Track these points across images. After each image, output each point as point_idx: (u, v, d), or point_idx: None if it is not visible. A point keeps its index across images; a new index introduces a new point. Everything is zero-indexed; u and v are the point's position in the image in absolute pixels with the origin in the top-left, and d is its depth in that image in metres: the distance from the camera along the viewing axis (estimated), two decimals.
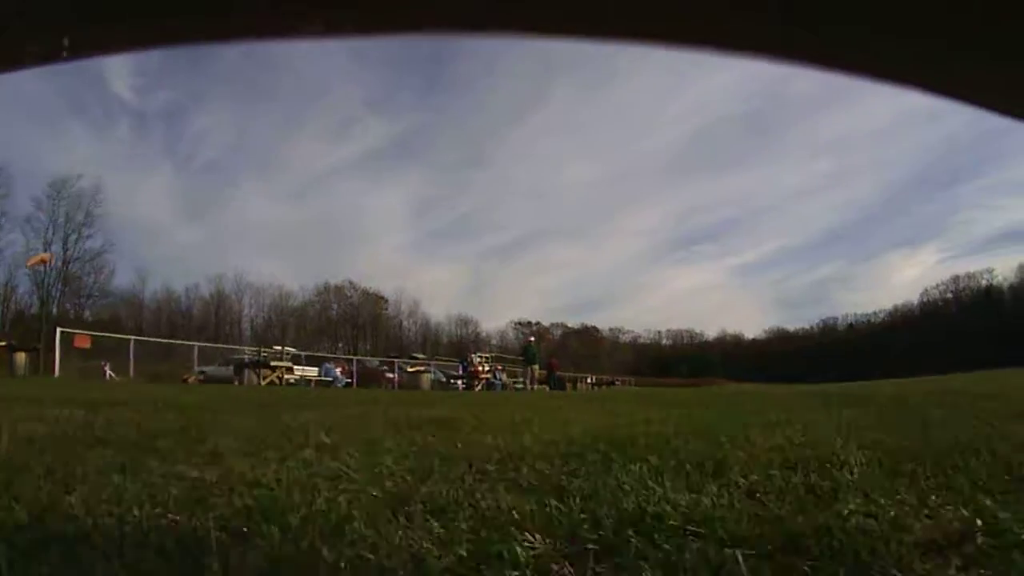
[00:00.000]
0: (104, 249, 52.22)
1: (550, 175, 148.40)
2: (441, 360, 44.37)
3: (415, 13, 0.57)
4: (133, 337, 27.94)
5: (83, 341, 25.28)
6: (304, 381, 27.69)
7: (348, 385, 29.10)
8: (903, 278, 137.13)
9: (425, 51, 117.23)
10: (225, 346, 37.73)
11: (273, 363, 26.42)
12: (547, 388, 31.45)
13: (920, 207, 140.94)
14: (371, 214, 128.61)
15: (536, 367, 29.38)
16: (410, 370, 33.98)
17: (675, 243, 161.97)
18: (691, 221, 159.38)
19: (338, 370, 30.33)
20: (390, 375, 33.35)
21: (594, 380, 48.74)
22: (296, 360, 30.82)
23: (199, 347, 30.51)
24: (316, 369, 29.89)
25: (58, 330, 24.29)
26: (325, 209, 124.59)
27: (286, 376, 26.24)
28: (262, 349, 29.60)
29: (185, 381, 24.31)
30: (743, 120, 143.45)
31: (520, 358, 34.45)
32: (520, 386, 38.28)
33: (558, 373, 34.94)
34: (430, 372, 33.43)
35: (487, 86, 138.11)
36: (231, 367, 26.47)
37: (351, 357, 36.33)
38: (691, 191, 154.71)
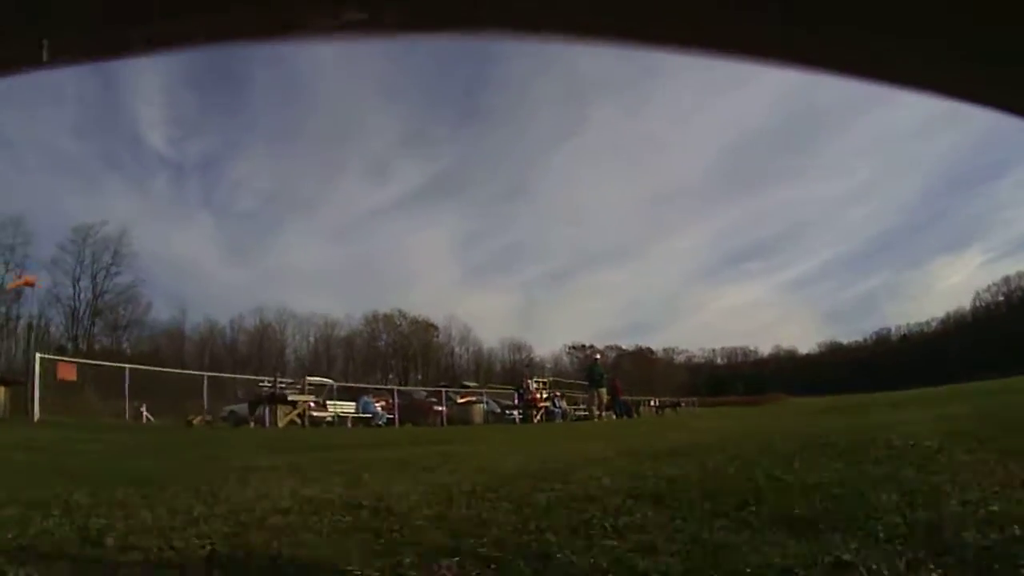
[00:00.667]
0: (135, 284, 52.95)
1: (592, 200, 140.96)
2: (494, 388, 40.67)
3: (428, 14, 0.59)
4: (128, 365, 23.79)
5: (68, 372, 20.92)
6: (338, 418, 24.22)
7: (390, 422, 25.45)
8: (949, 284, 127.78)
9: (457, 83, 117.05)
10: (251, 377, 33.63)
11: (292, 397, 21.27)
12: (613, 415, 26.83)
13: (958, 209, 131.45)
14: (416, 250, 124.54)
15: (603, 391, 25.41)
16: (460, 401, 30.29)
17: (722, 261, 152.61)
18: (736, 239, 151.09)
19: (378, 405, 26.61)
20: (439, 407, 29.63)
21: (657, 403, 44.36)
22: (326, 393, 26.99)
23: (208, 377, 25.97)
24: (352, 404, 26.22)
25: (37, 356, 18.61)
26: (369, 248, 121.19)
27: (313, 413, 22.11)
28: (279, 379, 24.18)
29: (190, 423, 20.21)
30: (778, 133, 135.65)
31: (583, 382, 30.92)
32: (583, 413, 34.51)
33: (623, 397, 30.45)
34: (483, 403, 29.70)
35: (522, 115, 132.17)
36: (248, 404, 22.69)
37: (393, 388, 32.46)
38: (734, 209, 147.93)
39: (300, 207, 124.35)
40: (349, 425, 23.83)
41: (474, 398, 31.30)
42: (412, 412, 28.85)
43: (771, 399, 71.74)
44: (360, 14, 0.56)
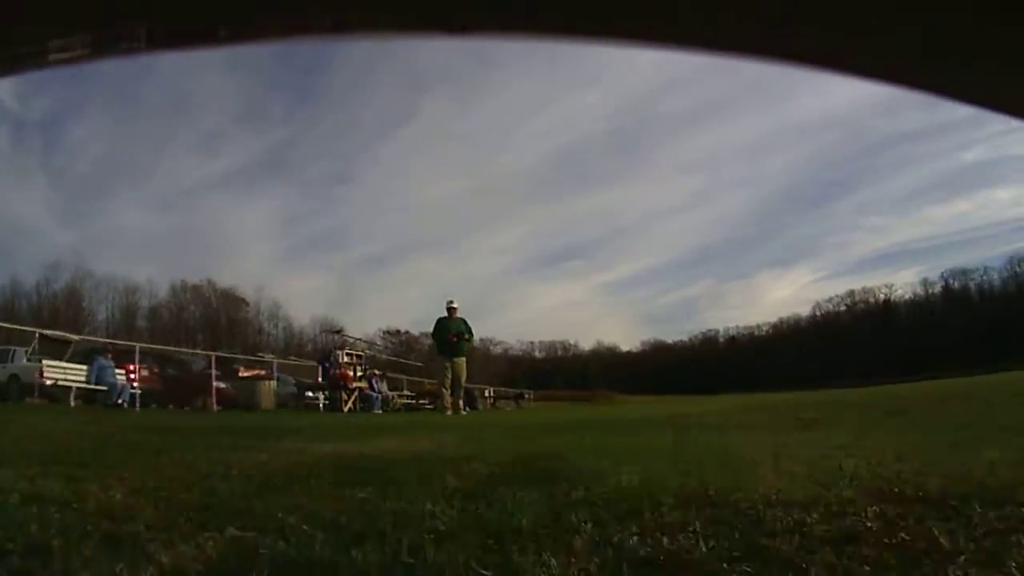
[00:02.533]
0: None
1: (417, 189, 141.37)
2: (294, 361, 33.32)
3: (416, 15, 0.59)
4: None
5: None
6: (57, 388, 16.31)
7: (129, 402, 17.66)
8: (776, 297, 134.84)
9: (299, 61, 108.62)
10: None
11: None
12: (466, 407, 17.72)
13: (792, 228, 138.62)
14: (237, 225, 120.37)
15: (462, 363, 15.55)
16: (243, 374, 22.92)
17: (543, 258, 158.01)
18: (560, 237, 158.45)
19: (121, 373, 18.46)
20: (220, 385, 22.00)
21: (492, 394, 38.78)
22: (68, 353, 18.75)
23: None
24: (82, 368, 17.55)
25: None
26: (190, 219, 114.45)
27: None
28: None
29: None
30: (611, 137, 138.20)
31: (405, 360, 24.29)
32: (412, 402, 28.06)
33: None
34: (274, 379, 22.61)
35: (358, 99, 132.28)
36: None
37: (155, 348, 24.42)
38: (558, 208, 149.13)
39: (130, 174, 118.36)
40: (71, 401, 16.04)
41: (262, 372, 24.00)
42: (181, 388, 21.42)
43: (601, 396, 70.04)
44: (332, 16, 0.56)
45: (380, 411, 21.80)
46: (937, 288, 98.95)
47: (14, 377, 17.19)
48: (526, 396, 41.48)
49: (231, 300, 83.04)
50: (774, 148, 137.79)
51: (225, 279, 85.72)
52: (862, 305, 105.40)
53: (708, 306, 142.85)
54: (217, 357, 22.80)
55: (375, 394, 23.06)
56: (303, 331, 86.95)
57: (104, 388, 17.29)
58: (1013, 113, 0.61)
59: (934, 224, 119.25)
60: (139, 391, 18.62)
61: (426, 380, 33.34)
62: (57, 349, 18.88)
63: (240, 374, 23.23)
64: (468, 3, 0.57)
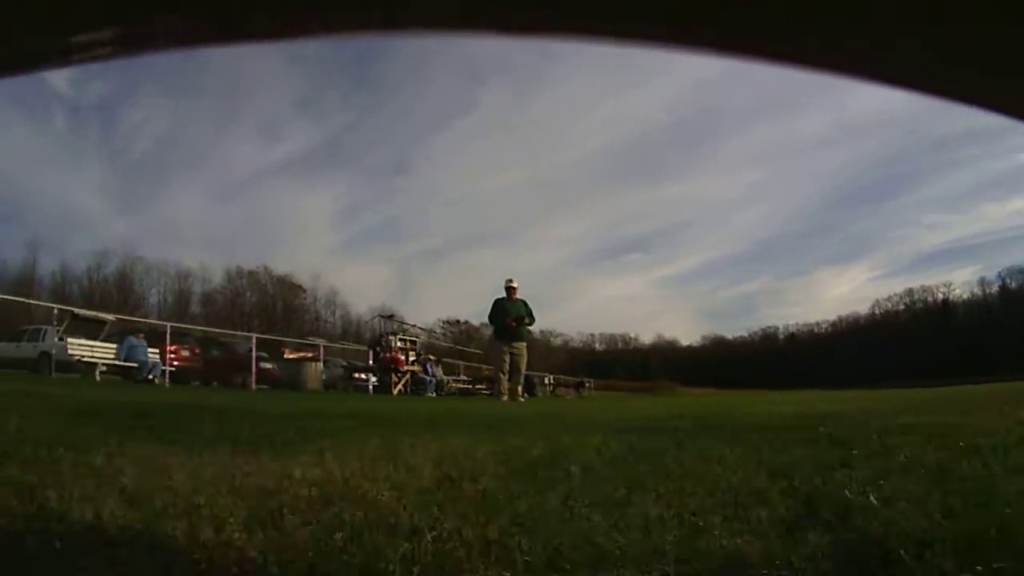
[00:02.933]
0: None
1: (477, 181, 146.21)
2: (344, 345, 31.92)
3: (415, 12, 0.58)
4: None
5: None
6: (83, 365, 15.72)
7: (157, 377, 16.80)
8: (834, 295, 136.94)
9: (354, 50, 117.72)
10: None
11: None
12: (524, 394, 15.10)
13: (852, 223, 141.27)
14: (295, 213, 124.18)
15: (522, 348, 13.48)
16: (289, 356, 21.58)
17: (603, 252, 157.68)
18: (619, 231, 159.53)
19: (153, 352, 17.44)
20: (266, 365, 20.88)
21: (552, 381, 36.74)
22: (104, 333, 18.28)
23: None
24: (111, 347, 17.04)
25: None
26: (249, 207, 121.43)
27: None
28: None
29: None
30: (672, 130, 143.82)
31: (464, 348, 22.49)
32: (467, 387, 26.39)
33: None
34: (319, 362, 21.10)
35: (415, 89, 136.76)
36: None
37: (195, 330, 23.34)
38: (620, 201, 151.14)
39: (190, 161, 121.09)
40: (97, 377, 15.23)
41: (310, 354, 22.52)
42: (222, 368, 20.32)
43: (663, 388, 68.73)
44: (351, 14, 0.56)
45: (432, 394, 20.08)
46: (995, 288, 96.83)
47: (44, 354, 16.86)
48: (587, 384, 39.17)
49: (287, 287, 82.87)
50: (834, 144, 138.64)
51: (281, 267, 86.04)
52: (920, 304, 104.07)
53: (767, 302, 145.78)
54: (261, 339, 21.64)
55: (429, 378, 21.29)
56: (360, 319, 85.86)
57: (133, 364, 16.40)
58: (1013, 114, 0.60)
59: (991, 221, 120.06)
60: (170, 369, 18.02)
61: (483, 366, 31.72)
62: (91, 329, 18.36)
63: (286, 355, 21.84)
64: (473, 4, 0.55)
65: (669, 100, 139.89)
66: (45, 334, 17.83)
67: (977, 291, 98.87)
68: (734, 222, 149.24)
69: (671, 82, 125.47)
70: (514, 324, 13.17)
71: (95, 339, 17.48)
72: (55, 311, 18.44)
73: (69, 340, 16.35)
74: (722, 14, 0.54)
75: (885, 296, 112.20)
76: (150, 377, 16.21)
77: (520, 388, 13.63)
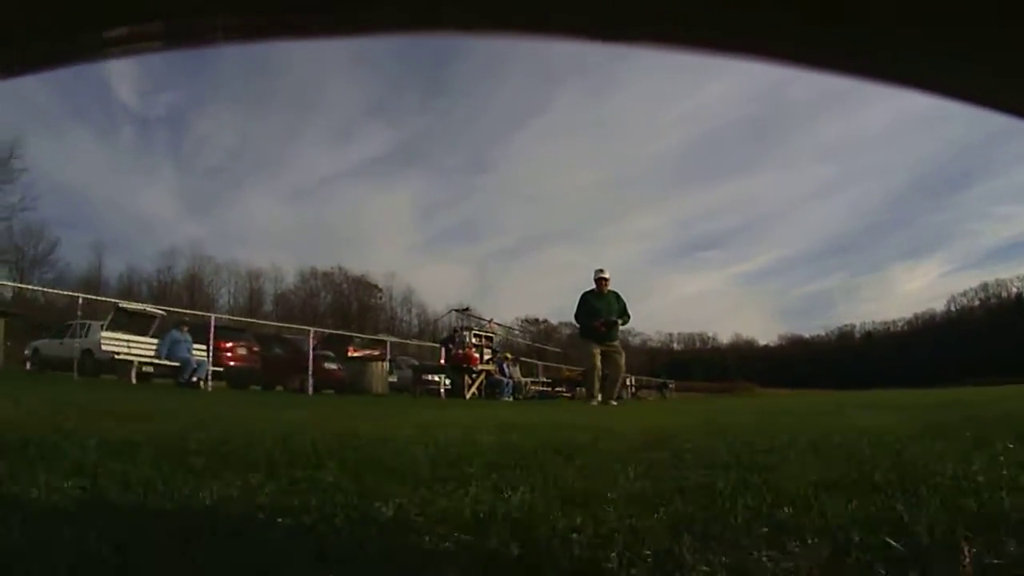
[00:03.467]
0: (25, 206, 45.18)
1: (553, 179, 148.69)
2: (419, 343, 29.91)
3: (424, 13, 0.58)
4: None
5: None
6: (118, 362, 13.93)
7: (203, 380, 14.57)
8: (908, 290, 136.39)
9: (428, 52, 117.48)
10: None
11: None
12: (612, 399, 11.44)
13: (924, 216, 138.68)
14: (374, 216, 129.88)
15: (617, 347, 11.45)
16: (352, 355, 19.61)
17: (679, 249, 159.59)
18: (695, 228, 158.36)
19: (199, 348, 15.29)
20: (330, 366, 19.08)
21: (633, 382, 33.95)
22: (154, 328, 16.48)
23: None
24: (153, 342, 15.28)
25: None
26: (325, 209, 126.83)
27: None
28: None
29: None
30: (743, 126, 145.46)
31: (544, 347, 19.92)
32: (545, 389, 24.12)
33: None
34: (386, 361, 18.82)
35: (489, 89, 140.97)
36: None
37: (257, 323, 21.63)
38: (694, 197, 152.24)
39: (262, 166, 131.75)
40: (132, 378, 13.34)
41: (376, 352, 20.43)
42: (280, 368, 18.60)
43: (743, 389, 66.00)
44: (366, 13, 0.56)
45: (510, 398, 17.72)
46: None
47: (87, 352, 15.28)
48: (670, 386, 36.27)
49: (363, 286, 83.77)
50: (904, 136, 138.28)
51: (358, 268, 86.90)
52: (995, 299, 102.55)
53: (842, 299, 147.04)
54: (324, 335, 19.74)
55: (506, 379, 18.93)
56: (438, 318, 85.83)
57: (175, 363, 14.42)
58: (1013, 113, 0.59)
59: None
60: (217, 369, 16.02)
61: (564, 366, 29.28)
62: (139, 323, 16.51)
63: (349, 354, 19.84)
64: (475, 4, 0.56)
65: (739, 96, 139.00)
66: (89, 329, 16.27)
67: None
68: (807, 218, 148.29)
69: (740, 78, 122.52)
70: (603, 328, 11.14)
71: (144, 335, 15.71)
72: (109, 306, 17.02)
73: (103, 335, 14.67)
74: (726, 14, 0.53)
75: (960, 291, 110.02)
76: (194, 379, 14.21)
77: (616, 389, 11.32)
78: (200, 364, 14.55)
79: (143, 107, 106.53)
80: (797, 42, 0.56)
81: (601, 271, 11.35)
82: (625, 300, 11.45)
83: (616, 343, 11.33)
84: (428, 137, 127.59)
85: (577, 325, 11.79)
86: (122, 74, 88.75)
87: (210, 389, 13.60)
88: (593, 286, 11.32)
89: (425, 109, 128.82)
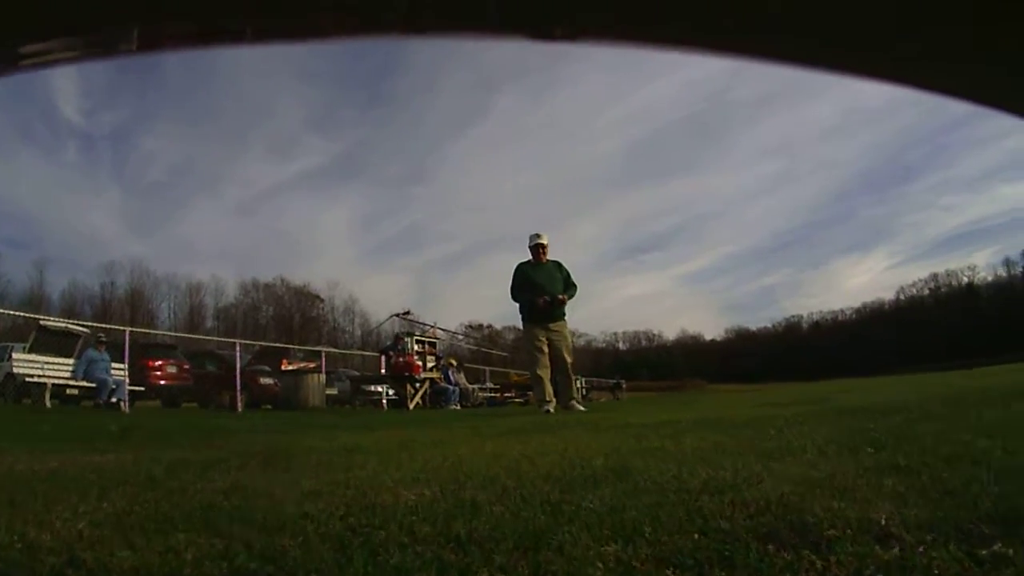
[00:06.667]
0: None
1: (492, 186, 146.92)
2: (359, 352, 28.96)
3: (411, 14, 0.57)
4: None
5: None
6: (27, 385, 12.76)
7: (123, 401, 13.43)
8: (854, 284, 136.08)
9: (366, 66, 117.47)
10: None
11: None
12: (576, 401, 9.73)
13: (867, 210, 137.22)
14: (316, 227, 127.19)
15: (563, 330, 9.64)
16: (286, 368, 18.68)
17: (621, 251, 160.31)
18: (636, 230, 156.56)
19: (118, 368, 14.09)
20: (267, 381, 18.11)
21: (584, 385, 33.38)
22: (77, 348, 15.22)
23: None
24: (68, 361, 13.97)
25: None
26: (269, 222, 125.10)
27: None
28: None
29: None
30: (684, 126, 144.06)
31: (485, 348, 18.85)
32: (509, 397, 23.73)
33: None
34: (321, 374, 17.60)
35: (427, 100, 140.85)
36: None
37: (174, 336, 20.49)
38: (635, 199, 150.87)
39: (205, 181, 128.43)
40: (47, 402, 12.28)
41: (311, 364, 19.45)
42: (211, 385, 17.73)
43: (692, 386, 66.86)
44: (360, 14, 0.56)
45: (456, 406, 17.07)
46: (1019, 268, 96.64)
47: (10, 376, 13.78)
48: (623, 386, 35.76)
49: (305, 297, 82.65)
50: (847, 131, 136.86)
51: (300, 278, 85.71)
52: (945, 288, 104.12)
53: (787, 294, 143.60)
54: (257, 349, 18.77)
55: (451, 386, 18.22)
56: (379, 325, 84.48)
57: (92, 384, 13.43)
58: (1013, 112, 0.60)
59: (1007, 202, 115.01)
60: (137, 389, 15.30)
61: (512, 371, 28.77)
62: (63, 343, 15.36)
63: (283, 367, 18.92)
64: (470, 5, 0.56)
65: (679, 96, 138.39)
66: (11, 352, 14.91)
67: (1002, 272, 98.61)
68: (749, 216, 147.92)
69: (681, 77, 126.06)
70: (547, 305, 9.40)
71: (69, 356, 14.53)
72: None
73: (14, 356, 13.56)
74: (718, 15, 0.54)
75: (909, 283, 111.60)
76: (112, 400, 13.23)
77: (575, 391, 10.12)
78: (119, 384, 13.52)
79: (87, 124, 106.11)
80: (787, 40, 0.56)
81: (538, 236, 9.65)
82: (568, 269, 9.75)
83: (563, 322, 9.63)
84: (368, 148, 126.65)
85: (516, 304, 9.72)
86: (65, 90, 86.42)
87: (127, 411, 12.46)
88: (529, 256, 9.63)
89: (363, 121, 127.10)
